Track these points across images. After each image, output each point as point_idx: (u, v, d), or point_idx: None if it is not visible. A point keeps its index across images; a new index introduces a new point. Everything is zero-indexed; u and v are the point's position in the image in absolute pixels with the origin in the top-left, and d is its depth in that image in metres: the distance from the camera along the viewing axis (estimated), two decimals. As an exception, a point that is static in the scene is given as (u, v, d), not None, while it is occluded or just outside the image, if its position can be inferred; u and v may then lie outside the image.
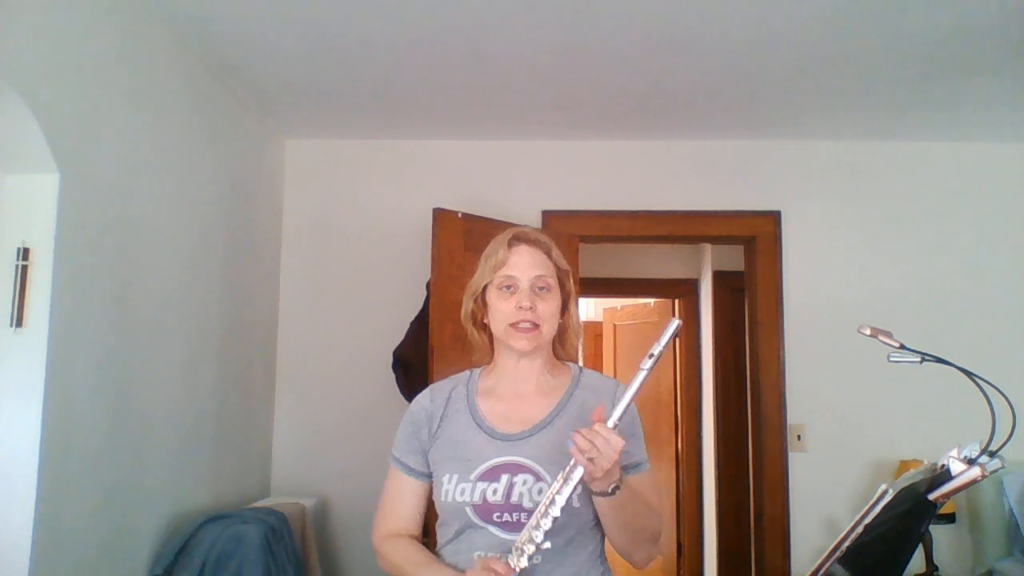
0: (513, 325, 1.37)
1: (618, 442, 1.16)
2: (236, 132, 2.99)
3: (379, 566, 1.42)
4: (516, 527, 1.28)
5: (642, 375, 1.19)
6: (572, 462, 1.18)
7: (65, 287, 1.88)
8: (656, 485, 1.45)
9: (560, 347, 1.47)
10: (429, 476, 1.40)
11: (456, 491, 1.32)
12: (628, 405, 1.20)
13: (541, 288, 1.38)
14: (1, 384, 1.80)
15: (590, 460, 1.15)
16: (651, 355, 1.19)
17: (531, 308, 1.36)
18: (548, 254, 1.42)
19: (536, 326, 1.37)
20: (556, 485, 1.19)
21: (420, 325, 3.00)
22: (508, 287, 1.39)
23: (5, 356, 1.80)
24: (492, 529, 1.30)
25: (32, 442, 1.78)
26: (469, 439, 1.37)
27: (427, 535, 1.45)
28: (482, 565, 1.21)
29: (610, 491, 1.22)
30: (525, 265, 1.39)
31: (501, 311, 1.38)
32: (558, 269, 1.43)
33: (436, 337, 2.81)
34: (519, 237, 1.43)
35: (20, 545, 1.75)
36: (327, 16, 2.32)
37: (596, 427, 1.16)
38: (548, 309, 1.38)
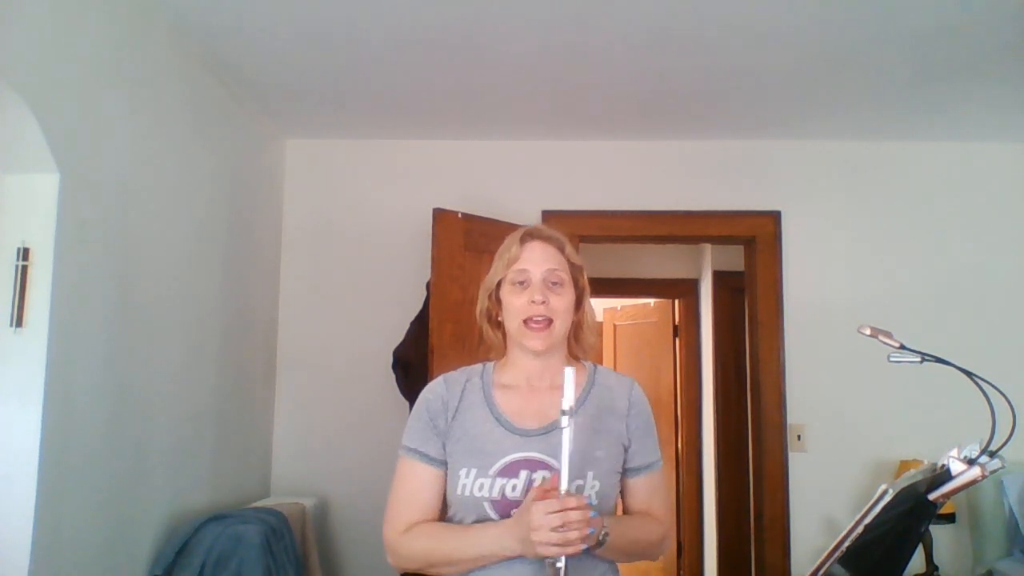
0: (526, 322, 1.36)
1: (578, 503, 1.16)
2: (236, 132, 2.99)
3: (395, 565, 1.35)
4: None
5: (567, 432, 1.17)
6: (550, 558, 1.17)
7: (65, 287, 1.88)
8: (661, 485, 1.45)
9: (576, 345, 1.46)
10: (447, 464, 1.37)
11: (474, 486, 1.31)
12: (569, 465, 1.17)
13: (554, 283, 1.38)
14: (1, 384, 1.80)
15: (567, 543, 1.15)
16: (563, 412, 1.17)
17: (544, 302, 1.35)
18: (561, 250, 1.42)
19: (549, 321, 1.36)
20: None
21: (420, 325, 3.00)
22: (521, 282, 1.38)
23: (5, 356, 1.80)
24: None
25: (32, 442, 1.78)
26: (487, 433, 1.35)
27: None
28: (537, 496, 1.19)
29: (601, 540, 1.25)
30: (537, 259, 1.39)
31: (514, 306, 1.38)
32: (571, 265, 1.42)
33: (436, 337, 2.81)
34: (532, 233, 1.43)
35: (20, 545, 1.75)
36: (327, 16, 2.32)
37: (534, 508, 1.17)
38: (561, 304, 1.38)
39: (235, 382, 2.96)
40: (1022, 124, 3.17)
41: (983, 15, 2.26)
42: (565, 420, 1.17)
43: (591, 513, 1.18)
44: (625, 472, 1.39)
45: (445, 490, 1.37)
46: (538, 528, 1.16)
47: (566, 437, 1.17)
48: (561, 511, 1.15)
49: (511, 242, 1.42)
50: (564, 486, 1.17)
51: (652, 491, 1.41)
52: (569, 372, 1.19)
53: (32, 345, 1.80)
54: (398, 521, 1.35)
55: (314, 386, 3.35)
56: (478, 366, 1.47)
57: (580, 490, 1.30)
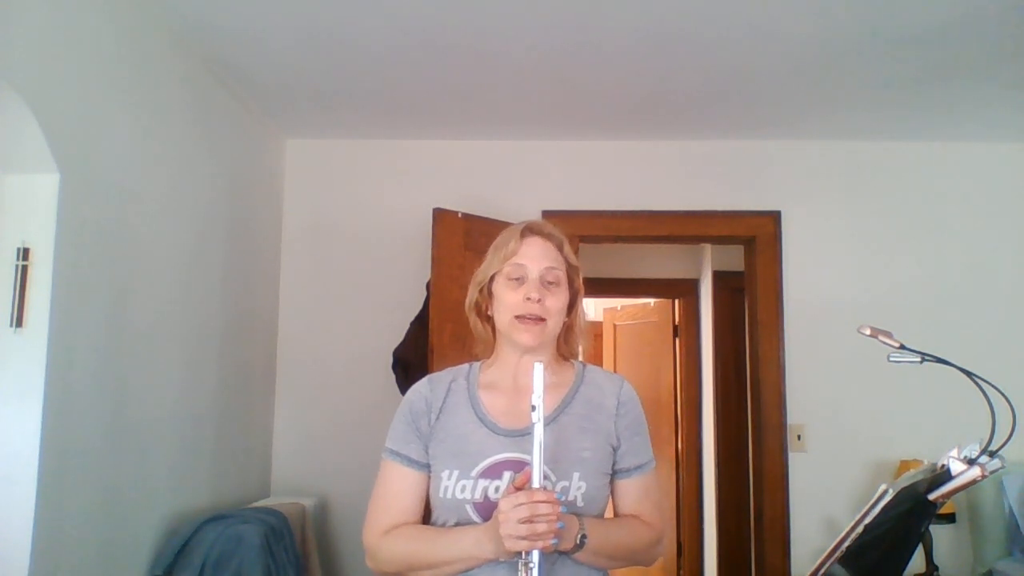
0: (518, 318, 1.33)
1: (547, 496, 1.14)
2: (236, 132, 2.99)
3: (373, 568, 1.33)
4: None
5: (539, 427, 1.16)
6: (523, 555, 1.14)
7: (65, 287, 1.88)
8: (654, 488, 1.40)
9: (564, 345, 1.43)
10: (429, 468, 1.34)
11: (456, 488, 1.28)
12: (541, 463, 1.16)
13: (550, 282, 1.35)
14: (1, 384, 1.80)
15: (535, 536, 1.12)
16: (533, 407, 1.16)
17: (539, 301, 1.32)
18: (559, 248, 1.39)
19: (542, 320, 1.33)
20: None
21: (420, 325, 3.00)
22: (517, 277, 1.35)
23: (5, 356, 1.80)
24: None
25: (32, 442, 1.78)
26: (470, 433, 1.32)
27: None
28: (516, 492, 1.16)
29: (579, 543, 1.22)
30: (536, 256, 1.35)
31: (507, 302, 1.34)
32: (568, 265, 1.39)
33: (436, 337, 2.81)
34: (532, 228, 1.38)
35: (20, 545, 1.76)
36: (327, 16, 2.32)
37: (500, 504, 1.15)
38: (556, 304, 1.34)
39: (235, 382, 2.96)
40: (1022, 124, 3.18)
41: (983, 15, 2.26)
42: (535, 416, 1.15)
43: (561, 509, 1.15)
44: (615, 473, 1.34)
45: (428, 493, 1.34)
46: (505, 521, 1.13)
47: (537, 432, 1.15)
48: (529, 503, 1.12)
49: (509, 236, 1.38)
50: (537, 483, 1.15)
51: (643, 494, 1.36)
52: (538, 367, 1.17)
53: (32, 345, 1.80)
54: (377, 524, 1.32)
55: (314, 386, 3.35)
56: (464, 366, 1.44)
57: (566, 491, 1.26)
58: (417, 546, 1.28)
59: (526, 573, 1.14)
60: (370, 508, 1.35)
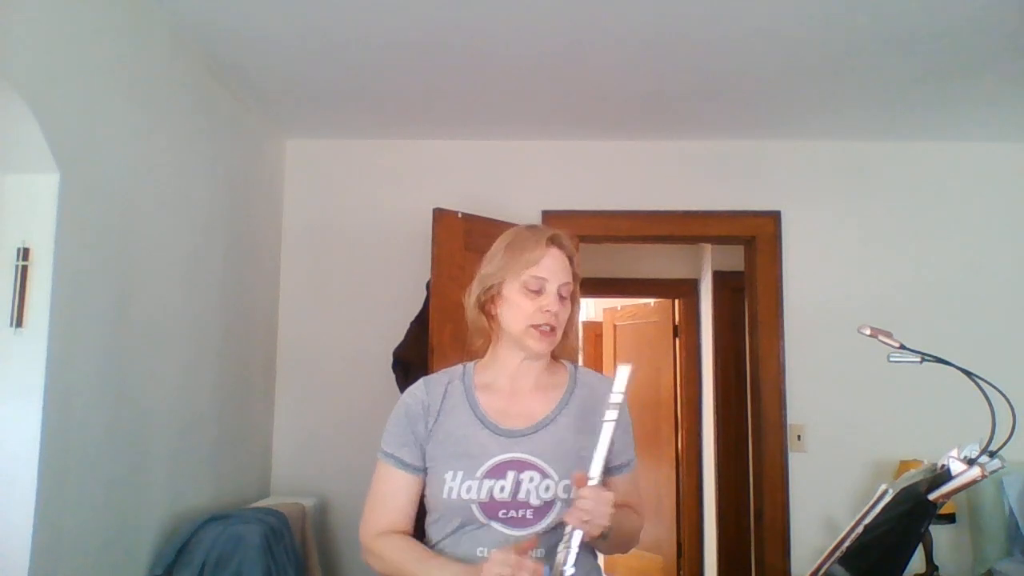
0: (534, 326, 1.36)
1: (608, 497, 1.20)
2: (236, 132, 2.99)
3: (367, 563, 1.39)
4: (521, 523, 1.30)
5: (610, 427, 1.23)
6: (568, 529, 1.20)
7: (65, 287, 1.88)
8: (639, 481, 1.51)
9: (563, 347, 1.46)
10: (423, 471, 1.37)
11: (462, 488, 1.31)
12: (603, 460, 1.22)
13: (563, 296, 1.39)
14: (1, 384, 1.80)
15: (586, 523, 1.19)
16: (614, 405, 1.22)
17: (555, 313, 1.37)
18: (571, 261, 1.43)
19: (553, 329, 1.38)
20: (561, 555, 1.20)
21: (420, 325, 3.00)
22: (535, 289, 1.37)
23: (5, 356, 1.80)
24: (496, 525, 1.31)
25: (32, 442, 1.78)
26: (471, 435, 1.35)
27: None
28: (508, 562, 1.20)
29: (604, 535, 1.26)
30: (556, 270, 1.38)
31: (523, 310, 1.36)
32: (574, 276, 1.44)
33: (436, 337, 2.81)
34: (555, 240, 1.41)
35: (20, 545, 1.75)
36: (327, 16, 2.32)
37: (584, 492, 1.20)
38: (566, 315, 1.40)
39: (235, 382, 2.96)
40: (1022, 124, 3.18)
41: (983, 15, 2.26)
42: (612, 414, 1.23)
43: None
44: (608, 471, 1.37)
45: (423, 494, 1.39)
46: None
47: (607, 430, 1.23)
48: (513, 571, 1.16)
49: (534, 242, 1.39)
50: (596, 475, 1.21)
51: (632, 487, 1.45)
52: (623, 369, 1.24)
53: (32, 345, 1.80)
54: (372, 524, 1.38)
55: (314, 386, 3.35)
56: (459, 368, 1.46)
57: (567, 490, 1.30)
58: (405, 558, 1.33)
59: (566, 552, 1.19)
60: (366, 507, 1.41)
